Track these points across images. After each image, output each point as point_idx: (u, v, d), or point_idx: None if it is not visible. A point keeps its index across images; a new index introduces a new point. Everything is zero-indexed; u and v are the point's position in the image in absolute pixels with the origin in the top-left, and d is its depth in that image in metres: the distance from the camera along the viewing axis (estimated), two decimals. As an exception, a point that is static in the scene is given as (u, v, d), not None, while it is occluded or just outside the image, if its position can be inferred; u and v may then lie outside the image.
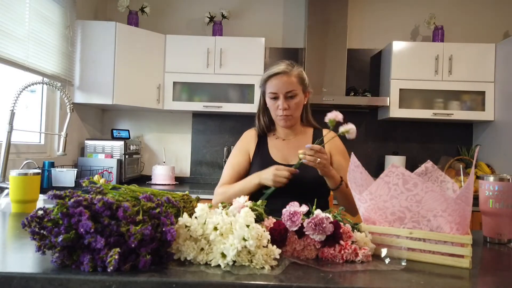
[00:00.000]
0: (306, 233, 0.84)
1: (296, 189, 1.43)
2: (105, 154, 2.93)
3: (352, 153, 1.10)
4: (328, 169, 1.33)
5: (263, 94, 1.55)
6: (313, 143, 1.55)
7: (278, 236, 0.85)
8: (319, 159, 1.27)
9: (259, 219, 0.92)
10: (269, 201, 1.38)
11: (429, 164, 1.05)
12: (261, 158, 1.54)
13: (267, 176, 1.34)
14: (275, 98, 1.47)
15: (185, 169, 3.47)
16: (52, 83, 2.07)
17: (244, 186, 1.44)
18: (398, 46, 3.05)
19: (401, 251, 0.86)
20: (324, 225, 0.82)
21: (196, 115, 3.46)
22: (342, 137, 1.34)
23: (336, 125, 1.29)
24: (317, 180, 1.44)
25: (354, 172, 0.96)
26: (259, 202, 1.03)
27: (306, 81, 1.52)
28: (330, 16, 3.10)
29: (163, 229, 0.74)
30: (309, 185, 1.44)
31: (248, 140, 1.62)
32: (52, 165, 2.54)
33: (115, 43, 2.87)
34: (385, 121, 3.31)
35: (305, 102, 1.55)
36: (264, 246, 0.78)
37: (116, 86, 2.88)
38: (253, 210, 0.87)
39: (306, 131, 1.61)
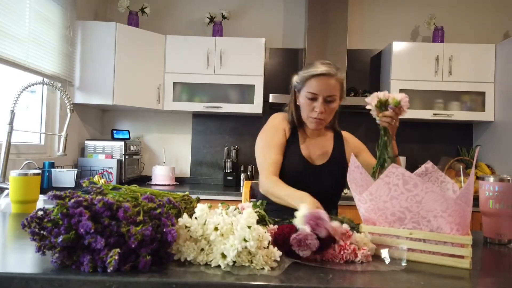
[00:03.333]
0: (292, 248, 0.82)
1: (310, 190, 1.42)
2: (105, 155, 2.93)
3: (352, 154, 1.10)
4: (394, 134, 1.28)
5: (298, 91, 1.47)
6: (334, 145, 1.54)
7: (282, 240, 0.84)
8: (395, 120, 1.21)
9: (261, 221, 0.92)
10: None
11: (429, 164, 1.05)
12: (291, 150, 1.49)
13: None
14: (313, 99, 1.40)
15: (185, 170, 3.47)
16: (52, 84, 2.07)
17: (289, 200, 1.27)
18: (398, 46, 3.05)
19: (401, 252, 0.86)
20: (308, 242, 0.81)
21: (196, 115, 3.46)
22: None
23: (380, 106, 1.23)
24: (331, 189, 1.44)
25: (354, 172, 0.96)
26: (259, 203, 1.03)
27: (344, 88, 1.47)
28: (330, 16, 3.10)
29: (164, 229, 0.74)
30: (323, 193, 1.44)
31: (282, 121, 1.54)
32: (52, 165, 2.54)
33: (115, 44, 2.87)
34: (385, 122, 3.30)
35: (337, 109, 1.49)
36: (264, 247, 0.78)
37: (116, 87, 2.88)
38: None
39: (327, 133, 1.58)
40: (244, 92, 3.12)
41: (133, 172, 3.12)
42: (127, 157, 2.96)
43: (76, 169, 2.60)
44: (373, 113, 1.23)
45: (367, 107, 1.24)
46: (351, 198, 2.57)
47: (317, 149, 1.52)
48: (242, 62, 3.07)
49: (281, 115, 1.57)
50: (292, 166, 1.47)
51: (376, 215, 0.90)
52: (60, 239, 0.69)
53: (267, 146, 1.47)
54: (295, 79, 1.47)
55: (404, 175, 0.84)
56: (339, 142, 1.56)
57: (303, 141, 1.52)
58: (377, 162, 1.17)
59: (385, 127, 1.21)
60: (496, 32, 3.33)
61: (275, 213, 1.19)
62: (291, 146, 1.50)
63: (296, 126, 1.54)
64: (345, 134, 1.60)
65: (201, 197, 2.08)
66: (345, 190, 2.78)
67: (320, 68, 1.39)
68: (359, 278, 0.74)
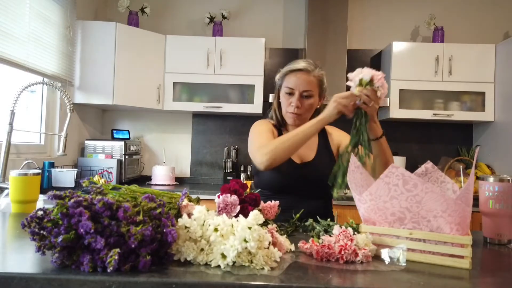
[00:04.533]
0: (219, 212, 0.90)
1: (303, 188, 1.44)
2: (105, 155, 2.93)
3: (352, 154, 1.10)
4: (375, 116, 1.25)
5: (279, 87, 1.51)
6: (319, 141, 1.54)
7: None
8: (373, 102, 1.17)
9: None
10: (277, 199, 1.37)
11: (429, 164, 1.05)
12: None
13: (329, 108, 1.23)
14: (290, 94, 1.44)
15: (185, 170, 3.47)
16: (52, 84, 2.07)
17: (304, 131, 1.28)
18: (398, 46, 3.05)
19: (401, 252, 0.86)
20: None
21: (196, 115, 3.46)
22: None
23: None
24: (321, 184, 1.44)
25: (354, 172, 0.96)
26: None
27: (325, 85, 1.49)
28: (330, 16, 3.10)
29: (164, 230, 0.74)
30: (316, 184, 1.44)
31: (268, 124, 1.55)
32: (52, 165, 2.54)
33: (115, 44, 2.87)
34: (385, 122, 3.31)
35: (318, 106, 1.51)
36: (265, 248, 0.78)
37: (116, 86, 2.88)
38: None
39: None
40: (244, 92, 3.12)
41: (133, 172, 3.12)
42: (127, 157, 2.96)
43: (76, 169, 2.60)
44: (353, 89, 1.19)
45: (348, 83, 1.21)
46: (351, 198, 2.57)
47: (303, 146, 1.50)
48: (242, 62, 3.07)
49: (265, 120, 1.59)
50: (279, 168, 1.43)
51: (376, 215, 0.90)
52: (60, 239, 0.69)
53: (259, 133, 1.46)
54: (277, 76, 1.51)
55: (404, 175, 0.84)
56: (323, 137, 1.57)
57: None
58: (350, 141, 1.16)
59: (360, 108, 1.19)
60: (496, 32, 3.33)
61: (284, 212, 1.20)
62: None
63: (280, 126, 1.57)
64: (328, 128, 1.61)
65: (201, 197, 2.08)
66: (345, 190, 2.78)
67: (298, 64, 1.43)
68: (359, 278, 0.74)
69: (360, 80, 1.17)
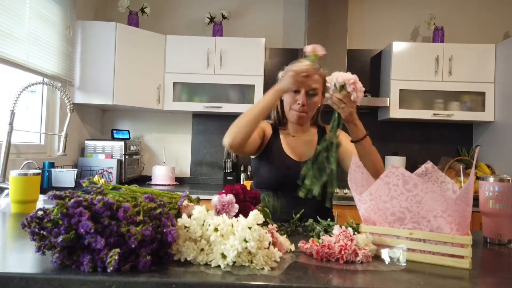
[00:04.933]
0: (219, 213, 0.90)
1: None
2: (105, 155, 2.93)
3: (354, 154, 1.10)
4: (353, 117, 1.28)
5: None
6: (319, 140, 1.55)
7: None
8: (344, 104, 1.22)
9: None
10: (277, 199, 1.36)
11: (429, 164, 1.05)
12: (274, 152, 1.52)
13: (285, 79, 1.33)
14: (296, 91, 1.45)
15: (185, 170, 3.47)
16: (52, 84, 2.07)
17: (261, 103, 1.35)
18: (398, 46, 3.05)
19: (401, 252, 0.86)
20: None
21: (196, 115, 3.46)
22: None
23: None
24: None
25: (355, 172, 0.96)
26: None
27: (327, 84, 1.51)
28: (330, 16, 3.10)
29: (164, 230, 0.74)
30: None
31: (265, 125, 1.57)
32: (52, 165, 2.54)
33: (115, 44, 2.87)
34: (385, 122, 3.31)
35: (319, 105, 1.53)
36: (265, 248, 0.78)
37: (116, 87, 2.88)
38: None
39: (311, 129, 1.61)
40: (244, 92, 3.12)
41: (133, 172, 3.12)
42: (127, 157, 2.96)
43: (76, 169, 2.59)
44: (331, 91, 1.27)
45: (328, 84, 1.28)
46: (351, 198, 2.57)
47: (301, 145, 1.54)
48: (242, 62, 3.07)
49: (265, 122, 1.60)
50: (277, 166, 1.49)
51: (376, 215, 0.90)
52: (60, 239, 0.69)
53: None
54: (281, 74, 1.52)
55: (404, 175, 0.84)
56: (323, 136, 1.57)
57: (286, 140, 1.55)
58: (322, 142, 1.24)
59: (336, 110, 1.26)
60: (496, 32, 3.33)
61: (284, 213, 1.20)
62: (273, 147, 1.53)
63: (280, 124, 1.58)
64: (328, 127, 1.61)
65: (201, 197, 2.07)
66: (345, 190, 2.78)
67: (304, 62, 1.44)
68: (359, 278, 0.74)
69: (335, 85, 1.23)
